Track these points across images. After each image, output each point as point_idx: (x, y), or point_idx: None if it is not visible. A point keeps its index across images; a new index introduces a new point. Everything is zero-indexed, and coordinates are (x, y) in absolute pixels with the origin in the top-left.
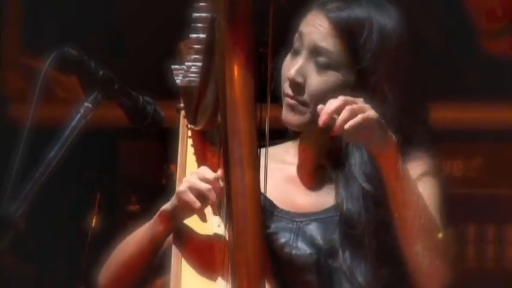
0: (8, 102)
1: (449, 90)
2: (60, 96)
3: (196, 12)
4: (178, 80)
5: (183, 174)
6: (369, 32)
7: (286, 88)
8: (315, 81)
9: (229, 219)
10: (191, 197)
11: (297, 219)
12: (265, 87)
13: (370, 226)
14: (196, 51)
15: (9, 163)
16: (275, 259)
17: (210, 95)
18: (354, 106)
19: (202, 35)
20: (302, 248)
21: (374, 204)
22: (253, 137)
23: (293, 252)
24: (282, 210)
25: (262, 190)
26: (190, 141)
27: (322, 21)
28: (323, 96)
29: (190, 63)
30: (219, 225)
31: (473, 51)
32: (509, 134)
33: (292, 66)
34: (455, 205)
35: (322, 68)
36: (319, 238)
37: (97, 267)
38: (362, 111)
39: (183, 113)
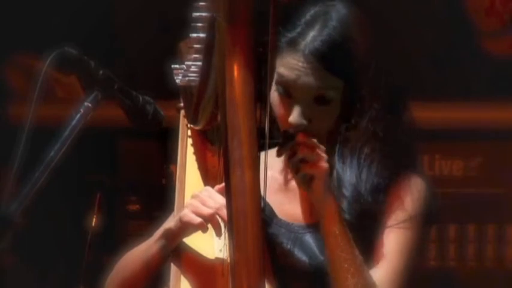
0: (8, 102)
1: (449, 90)
2: (60, 96)
3: (196, 12)
4: (178, 79)
5: (183, 174)
6: (349, 47)
7: (290, 129)
8: (321, 118)
9: (229, 219)
10: (194, 217)
11: (295, 230)
12: (265, 87)
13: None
14: (196, 51)
15: (9, 163)
16: (273, 265)
17: (210, 95)
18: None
19: (202, 35)
20: (299, 257)
21: (362, 215)
22: (253, 137)
23: (291, 260)
24: (281, 219)
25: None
26: (190, 141)
27: (303, 62)
28: (331, 124)
29: (190, 63)
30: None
31: (473, 51)
32: (509, 134)
33: (287, 107)
34: (455, 205)
35: (322, 104)
36: (315, 249)
37: (97, 267)
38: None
39: (183, 112)
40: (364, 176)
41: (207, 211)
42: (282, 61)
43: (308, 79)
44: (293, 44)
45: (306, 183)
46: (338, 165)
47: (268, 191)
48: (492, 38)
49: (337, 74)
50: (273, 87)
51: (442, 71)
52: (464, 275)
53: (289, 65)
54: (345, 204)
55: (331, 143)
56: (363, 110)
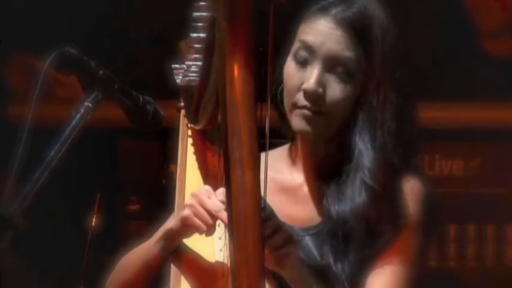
0: (8, 102)
1: (449, 90)
2: (60, 96)
3: (197, 12)
4: (179, 79)
5: (183, 174)
6: (376, 27)
7: (301, 100)
8: (337, 91)
9: (230, 219)
10: (197, 222)
11: (296, 232)
12: (265, 87)
13: (361, 226)
14: (197, 51)
15: (9, 163)
16: None
17: (210, 95)
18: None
19: (202, 34)
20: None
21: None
22: (253, 137)
23: None
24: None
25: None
26: (190, 141)
27: (333, 28)
28: (344, 105)
29: (190, 63)
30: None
31: (473, 51)
32: (509, 134)
33: (303, 76)
34: (455, 205)
35: (343, 76)
36: (315, 251)
37: (97, 267)
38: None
39: (183, 112)
40: (383, 154)
41: (208, 220)
42: (308, 27)
43: (333, 44)
44: (325, 10)
45: (283, 258)
46: (359, 142)
47: (268, 192)
48: (492, 38)
49: (364, 45)
50: (290, 58)
51: (442, 71)
52: (464, 275)
53: (317, 31)
54: (368, 177)
55: (348, 124)
56: (380, 95)
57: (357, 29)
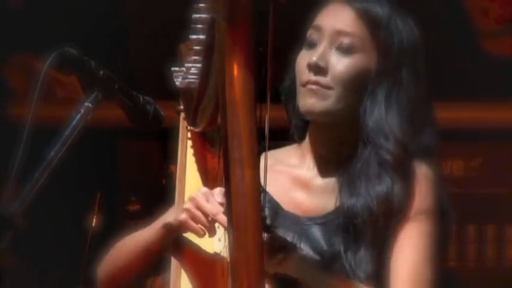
0: (8, 102)
1: (449, 90)
2: (60, 96)
3: (196, 13)
4: (178, 81)
5: (183, 175)
6: (390, 24)
7: (306, 76)
8: (339, 63)
9: (229, 219)
10: (194, 226)
11: (302, 222)
12: (265, 87)
13: (373, 221)
14: (196, 53)
15: (9, 163)
16: None
17: (210, 97)
18: None
19: (202, 36)
20: (305, 250)
21: (379, 202)
22: (253, 137)
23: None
24: (287, 212)
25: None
26: (190, 143)
27: (343, 10)
28: (347, 79)
29: (190, 65)
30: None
31: (473, 51)
32: (509, 134)
33: (310, 56)
34: (455, 205)
35: (345, 50)
36: (322, 241)
37: (97, 267)
38: None
39: (183, 114)
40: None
41: (205, 222)
42: (320, 12)
43: (340, 19)
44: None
45: (280, 263)
46: (370, 119)
47: (277, 184)
48: (492, 38)
49: (372, 33)
50: (303, 48)
51: (442, 71)
52: (464, 275)
53: (327, 12)
54: (383, 149)
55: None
56: (391, 80)
57: (367, 10)
